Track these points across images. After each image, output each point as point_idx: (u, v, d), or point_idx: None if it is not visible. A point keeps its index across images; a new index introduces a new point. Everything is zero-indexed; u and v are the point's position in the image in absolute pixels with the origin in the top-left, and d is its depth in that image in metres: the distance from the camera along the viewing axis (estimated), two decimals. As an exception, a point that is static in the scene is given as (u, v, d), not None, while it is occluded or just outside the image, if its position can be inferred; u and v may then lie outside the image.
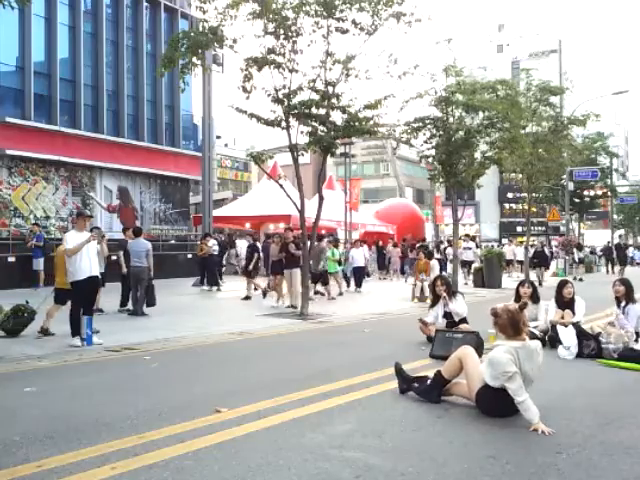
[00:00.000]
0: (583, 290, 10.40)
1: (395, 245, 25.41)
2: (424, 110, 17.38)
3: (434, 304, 8.61)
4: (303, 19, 11.10)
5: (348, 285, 18.40)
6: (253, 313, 12.14)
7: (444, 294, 8.43)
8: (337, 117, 12.09)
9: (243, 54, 11.43)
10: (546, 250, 32.27)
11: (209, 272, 17.62)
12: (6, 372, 6.51)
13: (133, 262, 11.63)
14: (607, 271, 31.17)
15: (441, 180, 18.62)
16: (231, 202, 31.99)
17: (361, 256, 18.42)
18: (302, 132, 11.99)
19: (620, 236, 31.86)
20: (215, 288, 17.29)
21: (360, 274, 18.31)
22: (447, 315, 8.44)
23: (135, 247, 11.73)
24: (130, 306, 11.77)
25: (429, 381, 5.25)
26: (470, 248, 22.32)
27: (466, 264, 21.75)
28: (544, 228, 56.28)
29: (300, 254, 13.10)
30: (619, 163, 62.29)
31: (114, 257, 12.49)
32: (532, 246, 27.80)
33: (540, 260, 23.24)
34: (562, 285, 8.52)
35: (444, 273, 19.02)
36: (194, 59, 11.72)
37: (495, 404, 4.72)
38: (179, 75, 12.38)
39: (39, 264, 16.81)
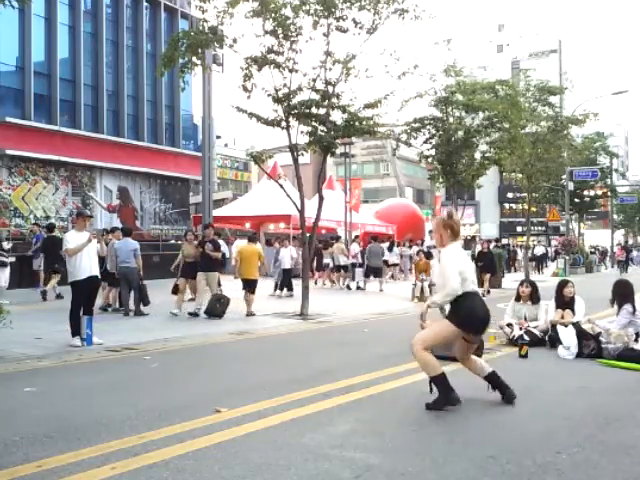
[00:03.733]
0: (584, 290, 10.40)
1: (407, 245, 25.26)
2: (424, 110, 17.44)
3: None
4: (303, 18, 11.11)
5: (278, 289, 16.40)
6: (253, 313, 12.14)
7: None
8: (337, 117, 12.10)
9: (243, 54, 11.45)
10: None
11: None
12: (6, 372, 6.51)
13: (120, 263, 11.37)
14: (622, 271, 31.95)
15: (441, 180, 18.66)
16: (231, 202, 31.98)
17: (288, 257, 16.58)
18: (302, 132, 11.99)
19: None
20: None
21: (288, 277, 16.34)
22: None
23: (123, 247, 11.47)
24: (131, 306, 11.73)
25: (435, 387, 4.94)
26: (435, 247, 19.81)
27: None
28: (544, 228, 56.29)
29: (218, 256, 11.96)
30: (619, 163, 62.28)
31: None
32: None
33: (485, 264, 17.61)
34: (562, 285, 8.52)
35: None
36: (194, 59, 11.73)
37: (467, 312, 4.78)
38: (178, 74, 12.38)
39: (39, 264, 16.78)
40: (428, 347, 4.90)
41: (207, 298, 11.43)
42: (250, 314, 11.67)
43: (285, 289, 16.26)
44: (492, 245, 21.63)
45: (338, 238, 20.79)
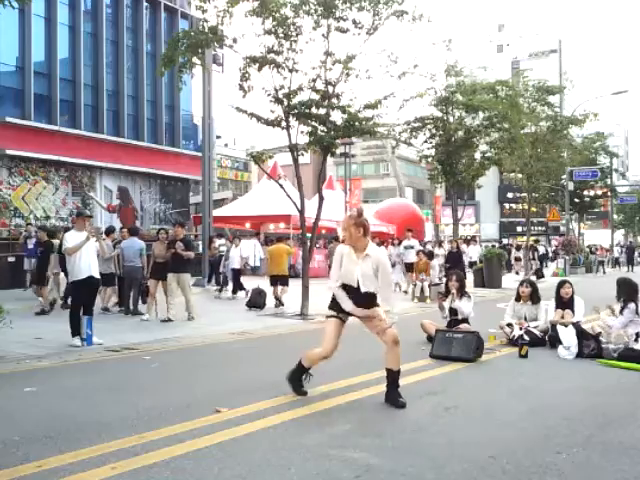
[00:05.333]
0: (584, 290, 10.40)
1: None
2: (424, 110, 17.45)
3: (447, 295, 8.57)
4: (303, 18, 11.11)
5: (221, 289, 15.86)
6: (254, 313, 12.15)
7: (454, 291, 8.42)
8: (337, 117, 12.09)
9: (243, 53, 11.44)
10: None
11: (216, 272, 18.04)
12: (6, 372, 6.51)
13: (126, 262, 11.53)
14: (627, 269, 32.73)
15: (441, 180, 18.65)
16: (231, 202, 31.98)
17: (238, 256, 15.32)
18: (302, 132, 11.98)
19: None
20: (224, 288, 17.62)
21: (236, 277, 15.37)
22: (452, 311, 8.42)
23: (130, 247, 11.59)
24: (130, 306, 11.76)
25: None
26: (412, 247, 17.01)
27: (409, 267, 16.46)
28: (544, 228, 56.30)
29: (191, 255, 11.26)
30: (619, 163, 62.29)
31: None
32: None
33: (452, 265, 15.38)
34: (560, 285, 8.54)
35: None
36: (194, 58, 11.73)
37: None
38: (177, 74, 12.38)
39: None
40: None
41: (182, 301, 10.88)
42: (281, 304, 12.96)
43: (238, 290, 15.15)
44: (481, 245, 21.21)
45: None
